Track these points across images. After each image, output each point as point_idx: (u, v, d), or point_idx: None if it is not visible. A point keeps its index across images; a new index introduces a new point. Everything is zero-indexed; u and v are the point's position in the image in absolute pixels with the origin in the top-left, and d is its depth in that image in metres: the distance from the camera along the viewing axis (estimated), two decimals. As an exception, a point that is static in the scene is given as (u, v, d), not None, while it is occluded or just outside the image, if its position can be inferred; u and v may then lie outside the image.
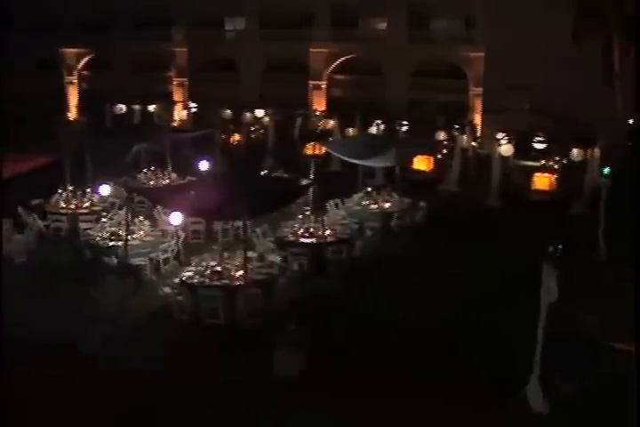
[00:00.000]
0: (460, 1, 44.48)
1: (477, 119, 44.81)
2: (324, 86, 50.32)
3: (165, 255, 21.44)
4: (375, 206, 26.08)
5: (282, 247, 21.67)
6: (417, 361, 15.45)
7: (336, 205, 26.23)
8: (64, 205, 25.44)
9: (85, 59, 57.72)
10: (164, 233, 22.51)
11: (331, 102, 49.87)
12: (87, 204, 25.61)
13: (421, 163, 34.92)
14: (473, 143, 39.35)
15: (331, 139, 37.81)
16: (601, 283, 17.73)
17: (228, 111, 47.74)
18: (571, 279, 13.75)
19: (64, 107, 56.22)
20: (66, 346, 15.81)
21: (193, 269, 18.97)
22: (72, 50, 57.27)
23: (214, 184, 21.06)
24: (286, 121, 44.60)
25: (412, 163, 34.03)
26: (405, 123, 43.57)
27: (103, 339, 16.17)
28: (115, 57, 54.62)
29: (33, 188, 25.29)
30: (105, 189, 25.47)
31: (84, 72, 58.37)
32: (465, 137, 38.44)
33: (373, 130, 42.44)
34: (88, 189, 25.97)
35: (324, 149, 33.65)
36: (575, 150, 35.04)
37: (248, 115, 47.49)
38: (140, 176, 29.61)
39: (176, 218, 20.97)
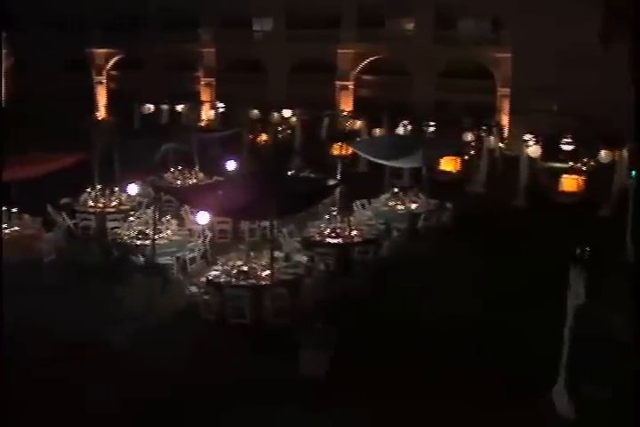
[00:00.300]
0: (487, 1, 44.31)
1: (504, 120, 44.66)
2: (351, 87, 50.34)
3: (192, 254, 21.52)
4: (402, 207, 26.03)
5: (308, 247, 21.68)
6: (441, 361, 15.44)
7: (363, 206, 26.22)
8: (92, 204, 25.60)
9: (114, 59, 58.08)
10: (191, 232, 22.59)
11: (358, 103, 49.89)
12: (115, 203, 25.76)
13: (448, 164, 34.82)
14: (500, 144, 39.22)
15: (358, 139, 37.79)
16: (628, 285, 17.62)
17: (256, 111, 47.84)
18: (598, 281, 13.68)
19: (93, 107, 56.60)
20: (92, 344, 15.91)
21: (220, 268, 18.99)
22: (101, 50, 57.66)
23: (242, 184, 21.13)
24: (313, 121, 44.68)
25: (439, 164, 33.94)
26: (432, 123, 43.53)
27: (129, 338, 16.28)
28: (143, 57, 54.94)
29: (62, 187, 25.44)
30: (133, 189, 25.59)
31: (113, 72, 58.74)
32: (492, 138, 38.29)
33: (400, 130, 42.40)
34: (116, 189, 26.11)
35: (350, 150, 33.61)
36: (603, 152, 34.81)
37: (275, 115, 47.57)
38: (168, 176, 29.74)
39: (203, 217, 21.06)
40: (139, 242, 21.48)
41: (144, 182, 26.98)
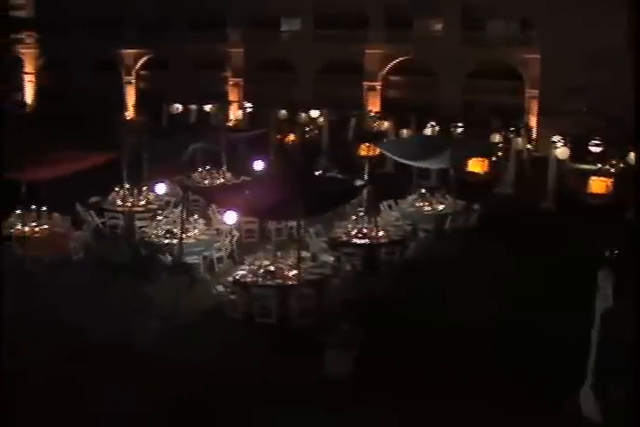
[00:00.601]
0: (515, 2, 44.12)
1: (533, 121, 44.42)
2: (378, 87, 50.28)
3: (219, 254, 21.62)
4: (429, 208, 25.98)
5: (335, 248, 21.71)
6: (467, 362, 15.42)
7: (390, 207, 26.20)
8: (121, 203, 25.78)
9: (143, 59, 58.38)
10: (218, 232, 22.68)
11: (385, 103, 49.79)
12: (143, 202, 25.94)
13: (476, 165, 34.73)
14: (528, 146, 39.05)
15: (385, 140, 37.77)
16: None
17: (284, 111, 47.91)
18: (626, 283, 13.61)
19: (122, 106, 56.94)
20: (118, 343, 15.99)
21: (246, 268, 19.05)
22: (130, 50, 57.95)
23: (269, 184, 21.18)
24: (341, 122, 44.65)
25: (466, 165, 33.87)
26: (460, 124, 43.40)
27: (156, 337, 16.37)
28: (172, 57, 55.17)
29: (91, 186, 25.62)
30: (161, 188, 25.69)
31: (142, 72, 59.05)
32: (520, 139, 38.13)
33: (428, 131, 42.31)
34: (144, 188, 26.28)
35: (378, 150, 33.62)
36: (632, 154, 34.55)
37: (303, 115, 47.60)
38: (196, 175, 29.85)
39: (230, 217, 21.11)
40: (166, 241, 21.61)
41: (172, 182, 27.13)
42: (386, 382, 14.54)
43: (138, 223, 24.09)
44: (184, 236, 20.76)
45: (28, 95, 63.04)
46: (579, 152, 36.17)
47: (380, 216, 24.00)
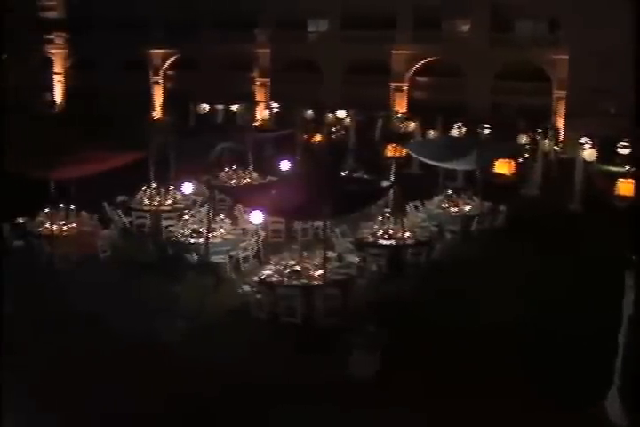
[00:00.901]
0: (544, 3, 43.94)
1: (560, 123, 44.23)
2: (405, 88, 50.26)
3: (245, 254, 21.66)
4: (455, 209, 25.91)
5: (361, 248, 21.69)
6: (492, 362, 15.39)
7: (416, 208, 26.15)
8: (148, 203, 25.88)
9: (171, 59, 58.67)
10: (244, 231, 22.73)
11: (412, 104, 49.77)
12: (170, 201, 26.00)
13: (503, 166, 34.64)
14: (555, 147, 38.87)
15: (412, 140, 37.73)
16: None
17: (310, 112, 47.98)
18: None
19: (149, 106, 57.25)
20: (144, 342, 16.05)
21: (272, 267, 19.05)
22: (158, 51, 58.28)
23: (295, 184, 21.22)
24: (368, 122, 44.69)
25: (493, 166, 33.77)
26: (487, 126, 43.28)
27: (182, 336, 16.45)
28: (199, 58, 55.43)
29: (118, 185, 25.77)
30: (188, 187, 25.77)
31: (170, 72, 59.35)
32: (547, 141, 37.97)
33: (454, 132, 42.23)
34: (171, 187, 26.37)
35: (404, 151, 33.60)
36: (661, 156, 34.34)
37: (330, 115, 47.64)
38: (222, 175, 29.95)
39: (257, 217, 21.17)
40: (193, 240, 21.69)
41: (199, 181, 27.23)
42: (410, 383, 14.51)
43: (164, 222, 24.16)
44: (210, 235, 20.80)
45: (58, 95, 63.57)
46: (606, 154, 35.96)
47: (407, 217, 23.93)
